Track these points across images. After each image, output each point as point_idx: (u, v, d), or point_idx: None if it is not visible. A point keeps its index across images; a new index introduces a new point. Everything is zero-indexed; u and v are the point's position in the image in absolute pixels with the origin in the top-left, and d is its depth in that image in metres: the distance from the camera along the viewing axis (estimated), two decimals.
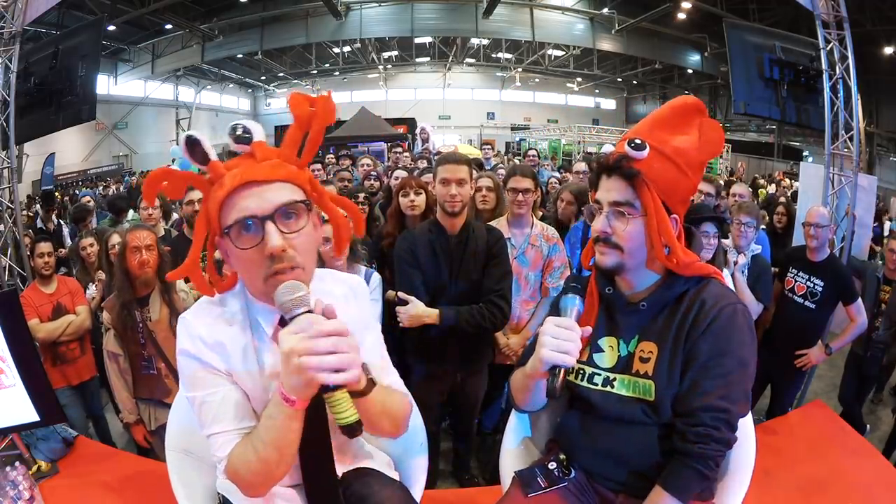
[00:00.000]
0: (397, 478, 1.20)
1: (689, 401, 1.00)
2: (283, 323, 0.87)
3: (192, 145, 0.89)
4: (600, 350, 1.12)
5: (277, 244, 0.84)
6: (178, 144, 10.84)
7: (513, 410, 1.33)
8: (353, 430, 0.79)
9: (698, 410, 0.98)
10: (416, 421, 1.31)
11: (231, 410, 0.93)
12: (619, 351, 1.10)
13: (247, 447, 0.89)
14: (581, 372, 1.13)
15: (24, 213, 6.46)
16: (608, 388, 1.09)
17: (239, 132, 0.91)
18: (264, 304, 0.94)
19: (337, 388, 0.79)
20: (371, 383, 0.89)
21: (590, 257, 1.15)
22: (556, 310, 1.10)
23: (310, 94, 0.95)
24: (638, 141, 1.03)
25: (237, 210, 0.87)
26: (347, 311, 1.00)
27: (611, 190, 1.04)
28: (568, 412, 1.20)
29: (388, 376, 1.09)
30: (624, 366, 1.09)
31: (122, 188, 11.95)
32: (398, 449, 1.29)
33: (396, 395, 1.04)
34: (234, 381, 0.95)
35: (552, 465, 1.15)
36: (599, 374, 1.11)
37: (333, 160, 6.14)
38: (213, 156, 0.90)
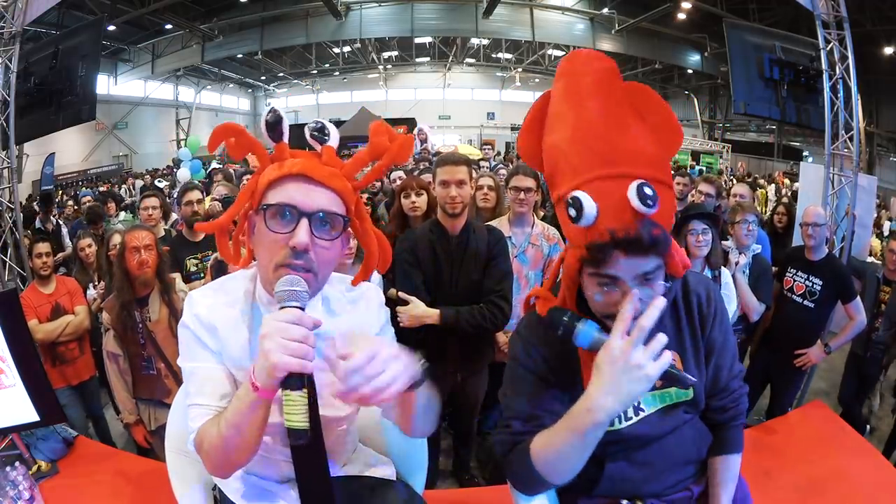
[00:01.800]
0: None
1: (719, 381, 1.08)
2: None
3: (274, 123, 0.93)
4: None
5: (303, 240, 0.87)
6: (181, 146, 10.85)
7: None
8: (297, 435, 0.79)
9: (728, 383, 1.09)
10: None
11: (211, 387, 0.95)
12: None
13: (213, 423, 0.91)
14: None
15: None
16: (641, 415, 1.04)
17: (316, 129, 0.95)
18: (271, 297, 0.95)
19: (296, 388, 0.78)
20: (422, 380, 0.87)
21: (548, 302, 0.96)
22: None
23: (392, 128, 0.99)
24: (648, 191, 0.79)
25: (283, 194, 0.90)
26: (357, 315, 1.05)
27: (637, 264, 0.82)
28: (609, 464, 1.05)
29: None
30: None
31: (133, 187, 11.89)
32: (397, 446, 1.29)
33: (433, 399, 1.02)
34: (223, 361, 0.97)
35: None
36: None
37: None
38: (286, 138, 0.95)
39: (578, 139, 0.86)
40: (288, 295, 0.83)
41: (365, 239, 1.03)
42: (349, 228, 0.96)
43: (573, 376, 0.96)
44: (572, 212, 0.83)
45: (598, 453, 0.94)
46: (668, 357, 0.77)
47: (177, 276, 2.49)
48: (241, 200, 0.97)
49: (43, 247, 2.83)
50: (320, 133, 0.95)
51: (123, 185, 12.69)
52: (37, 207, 6.03)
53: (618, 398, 0.77)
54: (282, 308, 0.82)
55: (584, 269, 0.88)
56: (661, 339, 0.77)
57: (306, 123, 0.96)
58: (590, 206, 0.81)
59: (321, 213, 0.89)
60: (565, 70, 0.93)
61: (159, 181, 10.49)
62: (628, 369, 0.76)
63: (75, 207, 5.48)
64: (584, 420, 0.81)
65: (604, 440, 0.87)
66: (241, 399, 0.85)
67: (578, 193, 0.82)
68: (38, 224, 5.35)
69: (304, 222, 0.88)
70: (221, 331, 0.97)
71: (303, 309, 0.82)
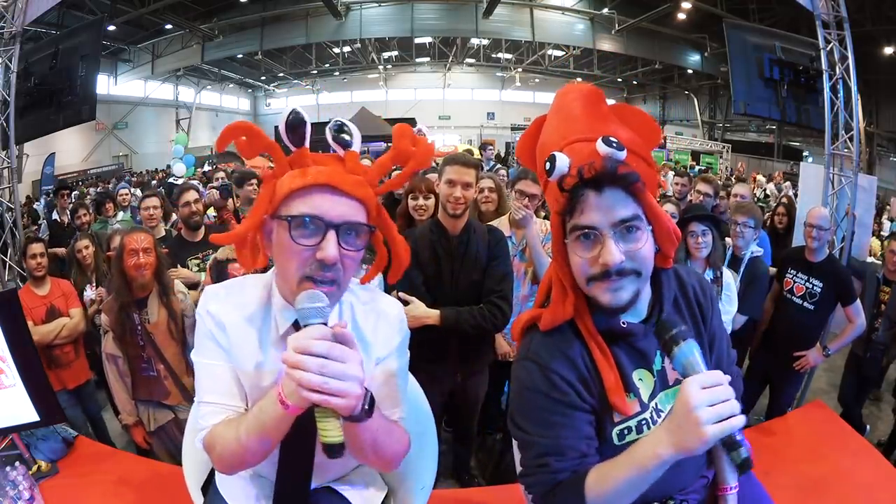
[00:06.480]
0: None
1: (720, 369, 1.02)
2: (297, 327, 0.87)
3: (295, 125, 0.89)
4: (636, 388, 0.98)
5: (332, 254, 0.85)
6: (178, 144, 10.79)
7: None
8: (333, 450, 0.78)
9: (728, 369, 1.03)
10: (429, 425, 1.33)
11: (223, 385, 0.96)
12: (653, 375, 0.99)
13: (230, 429, 0.90)
14: (643, 421, 0.96)
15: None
16: (662, 416, 0.99)
17: (338, 130, 0.91)
18: (287, 303, 0.95)
19: None
20: (366, 413, 0.81)
21: (568, 308, 0.93)
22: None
23: (416, 133, 0.96)
24: (614, 140, 0.85)
25: (308, 205, 0.87)
26: (373, 332, 1.02)
27: (611, 207, 0.83)
28: None
29: (395, 409, 1.03)
30: (661, 383, 1.00)
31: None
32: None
33: (396, 434, 0.98)
34: (230, 361, 0.97)
35: None
36: (646, 410, 0.97)
37: None
38: (307, 143, 0.91)
39: (563, 128, 0.94)
40: (310, 312, 0.81)
41: (380, 247, 1.01)
42: (373, 235, 0.94)
43: (598, 390, 0.93)
44: (548, 165, 0.86)
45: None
46: (730, 425, 0.74)
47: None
48: (258, 209, 0.93)
49: (37, 247, 2.80)
50: (343, 134, 0.91)
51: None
52: (43, 201, 6.03)
53: (677, 446, 0.77)
54: (305, 326, 0.80)
55: (568, 235, 0.88)
56: (735, 415, 0.74)
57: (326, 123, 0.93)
58: (562, 160, 0.85)
59: (348, 224, 0.87)
60: (556, 95, 1.02)
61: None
62: (690, 423, 0.74)
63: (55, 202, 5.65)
64: (649, 458, 0.80)
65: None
66: (266, 412, 0.84)
67: (554, 152, 0.87)
68: (54, 216, 5.36)
69: (332, 235, 0.86)
70: (230, 329, 0.96)
71: (325, 324, 0.81)
